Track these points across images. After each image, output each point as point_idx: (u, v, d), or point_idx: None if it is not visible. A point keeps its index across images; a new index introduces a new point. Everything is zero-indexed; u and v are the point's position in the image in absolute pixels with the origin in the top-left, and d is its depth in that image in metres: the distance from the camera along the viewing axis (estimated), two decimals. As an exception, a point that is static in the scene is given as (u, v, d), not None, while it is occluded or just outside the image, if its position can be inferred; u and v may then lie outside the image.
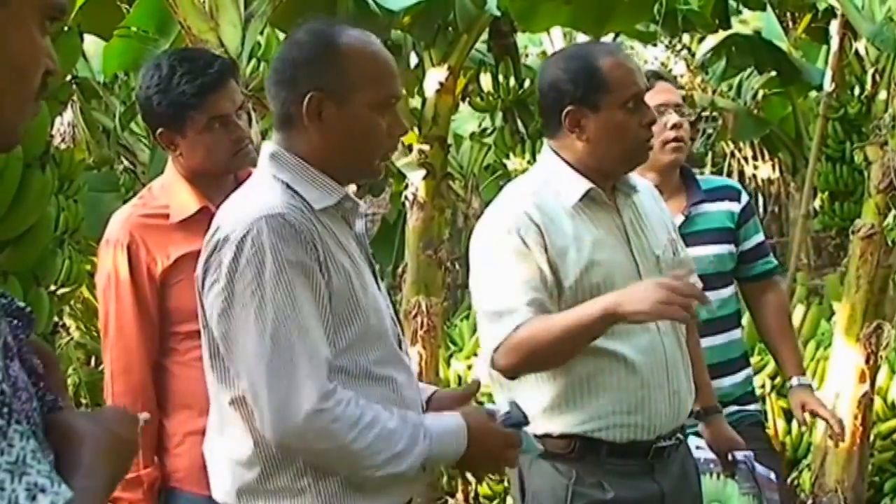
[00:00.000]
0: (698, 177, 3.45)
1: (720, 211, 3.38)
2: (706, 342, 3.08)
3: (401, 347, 2.20)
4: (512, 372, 2.57)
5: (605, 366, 2.55)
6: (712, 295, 3.30)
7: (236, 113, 2.78)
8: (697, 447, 2.92)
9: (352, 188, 2.29)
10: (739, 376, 3.40)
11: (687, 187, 3.38)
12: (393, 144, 2.20)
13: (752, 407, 3.42)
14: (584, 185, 2.60)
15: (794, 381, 3.39)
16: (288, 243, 1.97)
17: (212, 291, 2.04)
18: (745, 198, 3.44)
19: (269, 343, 1.96)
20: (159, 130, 2.79)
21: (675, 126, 3.29)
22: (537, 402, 2.58)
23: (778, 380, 5.68)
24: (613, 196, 2.67)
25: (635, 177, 2.79)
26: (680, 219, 3.25)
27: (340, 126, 2.10)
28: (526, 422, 2.19)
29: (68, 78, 4.99)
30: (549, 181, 2.64)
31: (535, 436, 2.51)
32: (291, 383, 1.95)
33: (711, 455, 2.98)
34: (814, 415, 3.34)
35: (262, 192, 2.10)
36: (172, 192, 2.83)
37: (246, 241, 1.98)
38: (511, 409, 2.20)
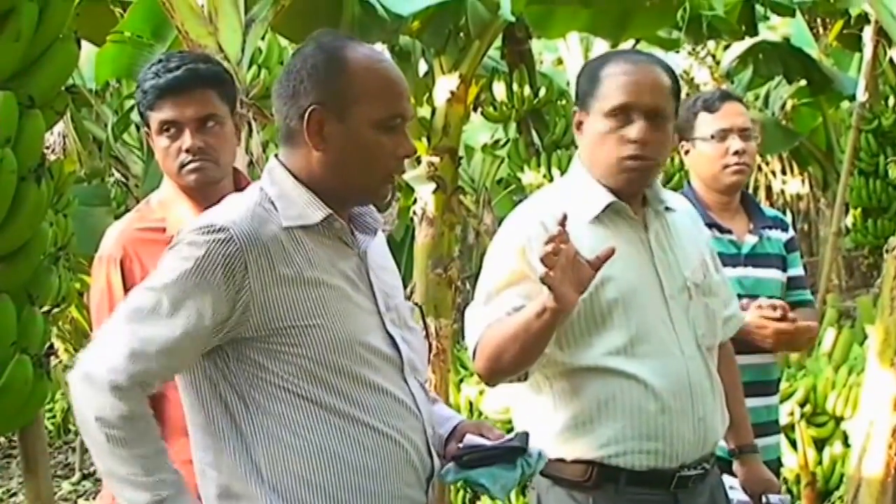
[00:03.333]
0: None
1: (778, 239, 3.56)
2: (742, 359, 3.11)
3: (403, 372, 2.20)
4: (487, 377, 2.60)
5: (621, 388, 2.56)
6: None
7: (202, 125, 2.77)
8: (731, 487, 2.91)
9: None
10: (773, 400, 3.52)
11: (749, 211, 3.55)
12: (398, 166, 2.20)
13: (772, 440, 3.46)
14: (607, 197, 2.63)
15: None
16: (213, 263, 2.05)
17: None
18: (791, 230, 3.67)
19: (133, 307, 2.11)
20: (144, 129, 2.88)
21: (737, 152, 3.41)
22: (552, 425, 2.60)
23: (807, 407, 5.68)
24: (643, 211, 2.69)
25: (674, 196, 2.82)
26: (754, 239, 3.48)
27: (341, 142, 2.13)
28: (523, 449, 2.21)
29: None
30: (572, 193, 2.66)
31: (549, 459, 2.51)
32: (115, 347, 2.07)
33: (745, 497, 2.98)
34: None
35: (233, 203, 2.16)
36: (170, 205, 2.85)
37: (186, 241, 2.10)
38: (516, 436, 2.22)
